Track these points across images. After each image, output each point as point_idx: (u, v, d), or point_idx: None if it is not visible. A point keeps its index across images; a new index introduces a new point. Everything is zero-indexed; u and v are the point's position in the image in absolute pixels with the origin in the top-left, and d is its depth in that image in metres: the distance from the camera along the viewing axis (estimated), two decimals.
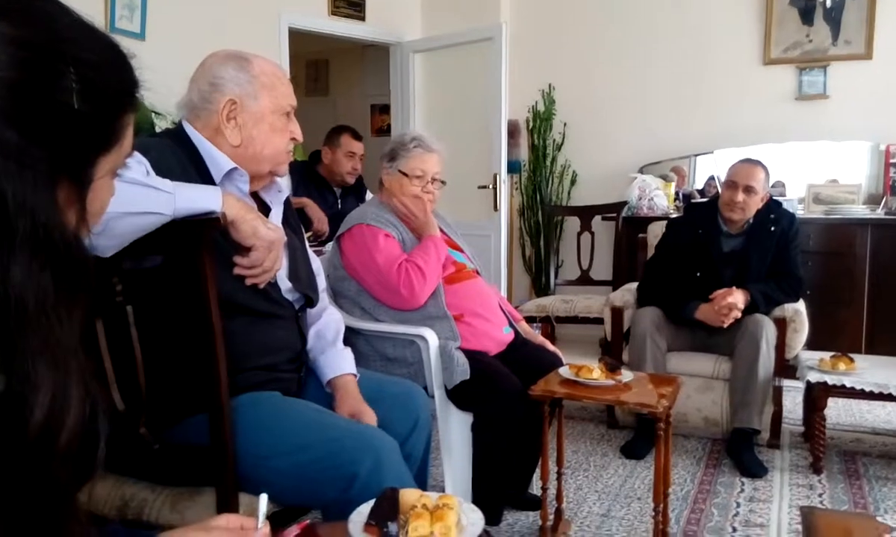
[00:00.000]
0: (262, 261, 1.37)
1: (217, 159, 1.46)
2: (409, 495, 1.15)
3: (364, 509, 1.13)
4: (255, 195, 1.57)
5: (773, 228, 3.03)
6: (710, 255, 3.06)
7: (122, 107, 0.76)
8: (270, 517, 1.40)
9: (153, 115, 2.85)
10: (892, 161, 4.31)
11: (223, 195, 1.25)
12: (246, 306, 1.44)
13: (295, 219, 1.70)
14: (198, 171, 1.42)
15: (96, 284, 1.27)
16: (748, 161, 3.10)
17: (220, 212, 1.23)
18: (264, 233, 1.34)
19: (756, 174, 2.99)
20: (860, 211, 4.25)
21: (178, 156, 1.41)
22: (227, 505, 1.32)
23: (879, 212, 4.21)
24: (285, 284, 1.56)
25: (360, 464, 1.30)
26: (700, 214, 3.20)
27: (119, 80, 0.76)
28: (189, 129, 1.49)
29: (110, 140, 0.75)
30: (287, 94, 1.54)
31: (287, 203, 1.68)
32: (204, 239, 1.21)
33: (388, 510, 1.11)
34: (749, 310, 3.02)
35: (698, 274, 3.06)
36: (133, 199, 1.14)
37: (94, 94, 0.69)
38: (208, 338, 1.26)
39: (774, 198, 3.17)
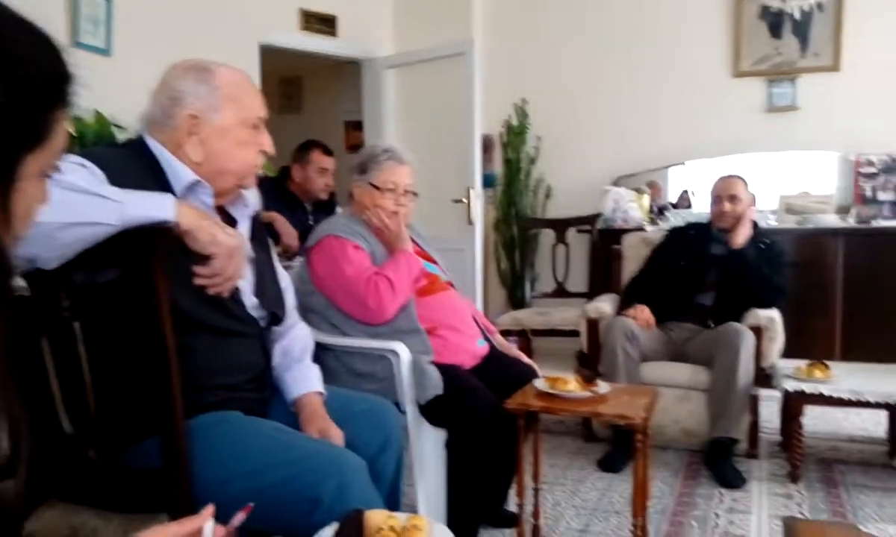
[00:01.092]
0: (223, 270, 1.29)
1: (179, 172, 1.39)
2: (376, 517, 1.10)
3: (327, 533, 1.07)
4: (220, 209, 1.50)
5: (762, 246, 3.18)
6: (698, 251, 3.26)
7: (51, 102, 0.71)
8: None
9: (114, 127, 2.78)
10: (861, 171, 4.36)
11: (177, 204, 1.19)
12: (207, 323, 1.38)
13: (263, 235, 1.64)
14: (158, 184, 1.36)
15: (42, 299, 1.21)
16: (725, 176, 3.35)
17: (173, 222, 1.16)
18: (223, 240, 1.27)
19: (735, 184, 3.26)
20: (832, 220, 4.28)
21: (136, 168, 1.34)
22: None
23: (850, 222, 4.24)
24: (251, 301, 1.50)
25: (324, 486, 1.24)
26: (697, 225, 3.47)
27: (48, 73, 0.71)
28: (150, 141, 1.42)
29: (37, 137, 0.70)
30: (254, 105, 1.47)
31: (255, 218, 1.62)
32: (156, 249, 1.15)
33: (352, 533, 1.05)
34: (724, 317, 3.05)
35: (682, 263, 3.25)
36: (76, 209, 1.08)
37: (18, 87, 0.64)
38: (161, 355, 1.20)
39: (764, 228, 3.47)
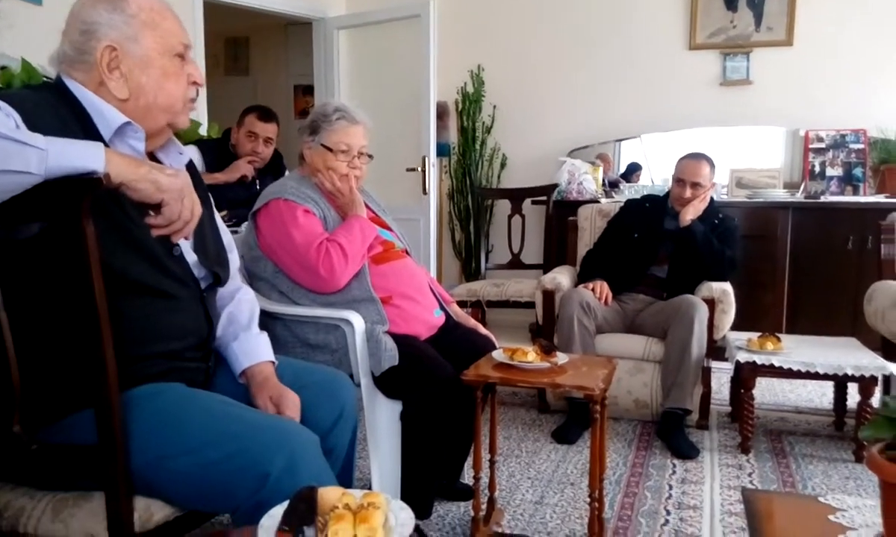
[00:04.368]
0: (178, 214, 1.17)
1: (105, 113, 1.26)
2: (330, 494, 1.02)
3: (277, 512, 0.99)
4: (151, 156, 1.38)
5: (716, 222, 3.19)
6: (652, 224, 3.22)
7: None
8: (172, 522, 1.24)
9: (45, 79, 2.59)
10: (810, 146, 4.42)
11: (106, 153, 1.07)
12: (143, 283, 1.26)
13: (202, 188, 1.52)
14: (83, 129, 1.23)
15: None
16: (693, 156, 3.25)
17: (102, 172, 1.04)
18: (168, 183, 1.14)
19: (701, 170, 3.18)
20: (781, 195, 4.34)
21: (58, 112, 1.21)
22: (118, 510, 1.15)
23: (799, 196, 4.30)
24: (192, 257, 1.39)
25: (273, 462, 1.15)
26: (653, 198, 3.43)
27: None
28: (69, 81, 1.28)
29: None
30: (175, 30, 1.35)
31: (191, 166, 1.49)
32: (83, 203, 1.03)
33: (304, 512, 0.97)
34: (677, 289, 3.07)
35: (636, 235, 3.22)
36: None
37: None
38: (93, 320, 1.08)
39: (718, 202, 3.42)
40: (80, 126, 1.23)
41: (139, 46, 1.29)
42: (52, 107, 1.21)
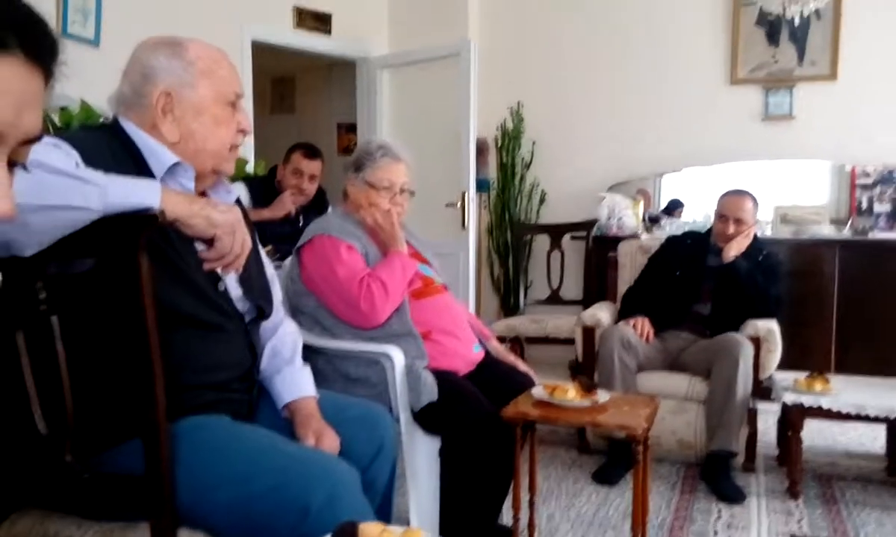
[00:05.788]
0: (230, 247, 1.24)
1: (158, 153, 1.32)
2: (370, 529, 1.02)
3: None
4: (202, 195, 1.43)
5: (759, 259, 3.14)
6: (694, 261, 3.19)
7: None
8: None
9: (102, 119, 2.72)
10: (857, 181, 4.34)
11: (162, 190, 1.11)
12: (191, 316, 1.30)
13: (248, 223, 1.56)
14: (137, 168, 1.28)
15: (18, 290, 1.13)
16: (736, 193, 3.23)
17: (158, 209, 1.09)
18: (221, 219, 1.20)
19: (744, 205, 3.16)
20: (827, 231, 4.25)
21: (113, 151, 1.27)
22: None
23: (846, 233, 4.21)
24: (236, 292, 1.42)
25: (313, 495, 1.16)
26: (694, 235, 3.41)
27: None
28: (125, 122, 1.34)
29: None
30: (230, 79, 1.40)
31: (239, 204, 1.54)
32: (140, 238, 1.07)
33: None
34: (721, 327, 3.01)
35: (678, 272, 3.18)
36: (54, 191, 1.00)
37: None
38: (144, 353, 1.11)
39: (761, 238, 3.40)
40: (134, 165, 1.29)
41: (194, 93, 1.34)
42: (107, 146, 1.27)
